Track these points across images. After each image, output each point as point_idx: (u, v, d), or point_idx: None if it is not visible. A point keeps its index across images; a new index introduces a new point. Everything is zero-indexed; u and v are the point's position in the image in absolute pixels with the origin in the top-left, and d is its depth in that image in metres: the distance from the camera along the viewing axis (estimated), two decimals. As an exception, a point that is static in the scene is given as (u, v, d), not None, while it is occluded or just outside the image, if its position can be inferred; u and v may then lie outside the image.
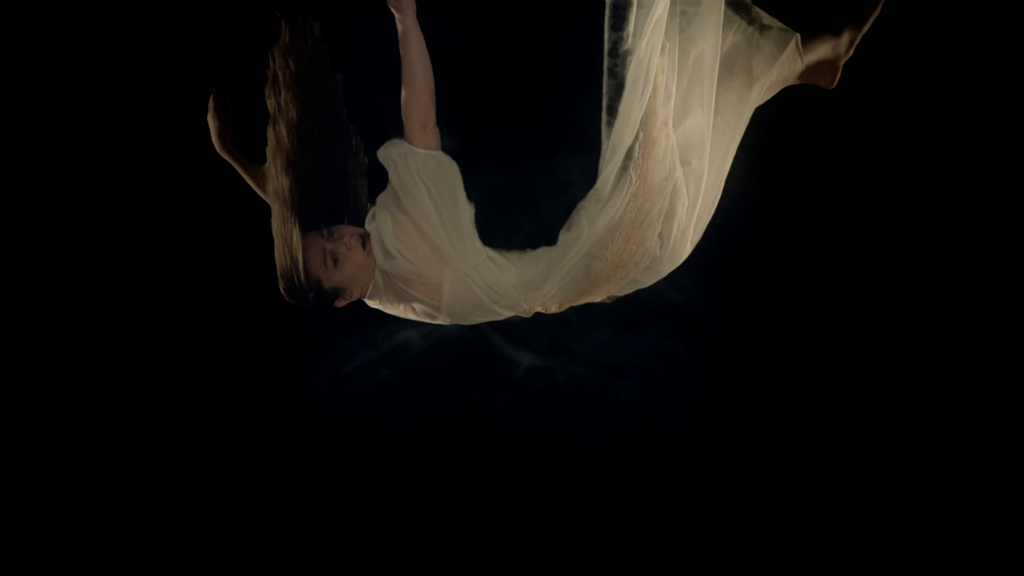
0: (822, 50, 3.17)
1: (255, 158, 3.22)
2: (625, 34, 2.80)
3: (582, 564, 4.38)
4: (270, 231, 2.92)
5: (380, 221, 2.92)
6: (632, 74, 2.82)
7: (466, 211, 2.91)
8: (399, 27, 2.80)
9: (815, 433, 4.28)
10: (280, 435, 4.36)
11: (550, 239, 3.01)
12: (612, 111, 2.86)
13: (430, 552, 4.40)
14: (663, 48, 2.85)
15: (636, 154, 2.88)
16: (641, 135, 2.86)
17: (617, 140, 2.88)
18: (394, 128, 2.91)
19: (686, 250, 3.07)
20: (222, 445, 4.30)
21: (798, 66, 3.14)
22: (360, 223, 2.99)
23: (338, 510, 4.38)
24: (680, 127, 2.94)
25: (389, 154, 2.89)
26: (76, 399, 4.22)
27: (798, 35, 3.12)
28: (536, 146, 3.87)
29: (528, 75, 3.93)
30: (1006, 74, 3.90)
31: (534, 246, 3.04)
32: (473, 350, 4.26)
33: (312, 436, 4.36)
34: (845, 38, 3.19)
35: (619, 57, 2.82)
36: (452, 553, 4.39)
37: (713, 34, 2.92)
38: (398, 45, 2.81)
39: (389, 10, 2.78)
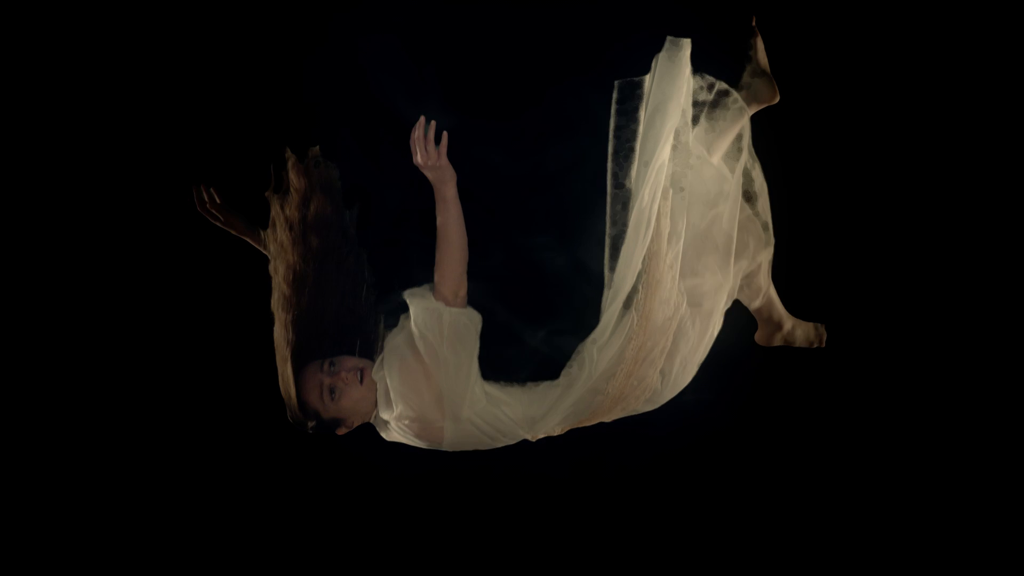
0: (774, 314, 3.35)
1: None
2: (627, 179, 2.83)
3: (582, 563, 4.39)
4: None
5: (388, 369, 2.93)
6: (635, 217, 2.84)
7: (476, 360, 2.94)
8: (438, 197, 2.83)
9: (812, 434, 4.29)
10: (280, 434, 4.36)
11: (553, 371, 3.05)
12: (615, 251, 2.87)
13: (432, 552, 4.42)
14: (665, 192, 2.86)
15: (639, 294, 2.89)
16: (645, 276, 2.88)
17: (620, 279, 2.89)
18: (409, 255, 2.97)
19: (687, 380, 3.10)
20: (222, 445, 4.31)
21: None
22: (372, 347, 3.01)
23: (339, 509, 4.39)
24: (693, 275, 2.97)
25: (417, 305, 2.91)
26: (77, 399, 4.22)
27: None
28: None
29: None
30: (991, 82, 3.92)
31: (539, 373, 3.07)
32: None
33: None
34: (787, 326, 3.41)
35: (622, 192, 2.84)
36: (453, 553, 4.40)
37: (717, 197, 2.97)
38: (435, 212, 2.84)
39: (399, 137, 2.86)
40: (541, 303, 3.17)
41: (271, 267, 3.00)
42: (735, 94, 3.02)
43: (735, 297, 3.18)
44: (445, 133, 2.81)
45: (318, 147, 3.02)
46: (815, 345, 3.58)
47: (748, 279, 3.21)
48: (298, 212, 2.97)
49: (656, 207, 2.84)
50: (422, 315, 2.89)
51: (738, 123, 3.05)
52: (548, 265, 3.19)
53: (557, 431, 3.10)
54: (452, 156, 2.86)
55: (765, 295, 3.30)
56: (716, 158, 3.06)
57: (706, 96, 2.98)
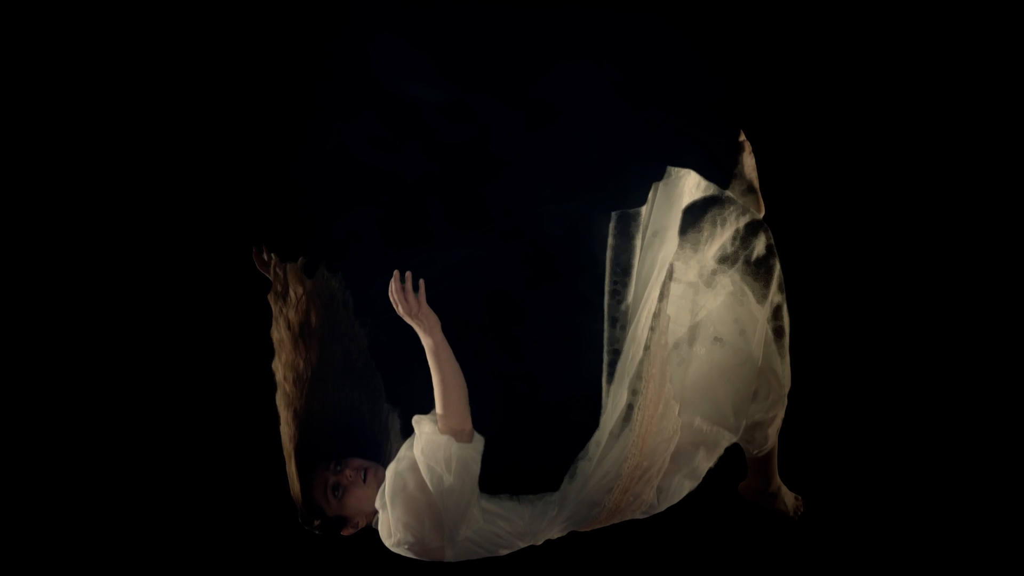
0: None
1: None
2: (624, 302, 2.89)
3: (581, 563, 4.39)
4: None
5: (392, 499, 2.95)
6: (630, 340, 2.90)
7: (477, 483, 2.98)
8: (425, 343, 2.88)
9: (811, 433, 4.28)
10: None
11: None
12: (612, 370, 2.93)
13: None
14: (662, 317, 2.89)
15: (636, 415, 2.92)
16: (641, 398, 2.91)
17: (616, 400, 2.94)
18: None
19: (685, 493, 3.15)
20: (222, 445, 4.31)
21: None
22: (381, 447, 3.08)
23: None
24: (700, 414, 3.02)
25: (424, 435, 2.94)
26: (78, 399, 4.22)
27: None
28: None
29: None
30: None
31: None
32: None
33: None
34: (773, 486, 3.52)
35: (619, 314, 2.90)
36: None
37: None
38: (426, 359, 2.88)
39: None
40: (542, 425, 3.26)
41: (274, 363, 3.05)
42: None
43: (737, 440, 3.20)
44: (422, 282, 2.88)
45: (307, 258, 3.11)
46: (790, 516, 3.65)
47: (757, 427, 3.22)
48: (299, 316, 3.04)
49: (656, 334, 2.88)
50: (429, 447, 2.93)
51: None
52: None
53: (556, 536, 3.16)
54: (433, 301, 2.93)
55: (768, 450, 3.32)
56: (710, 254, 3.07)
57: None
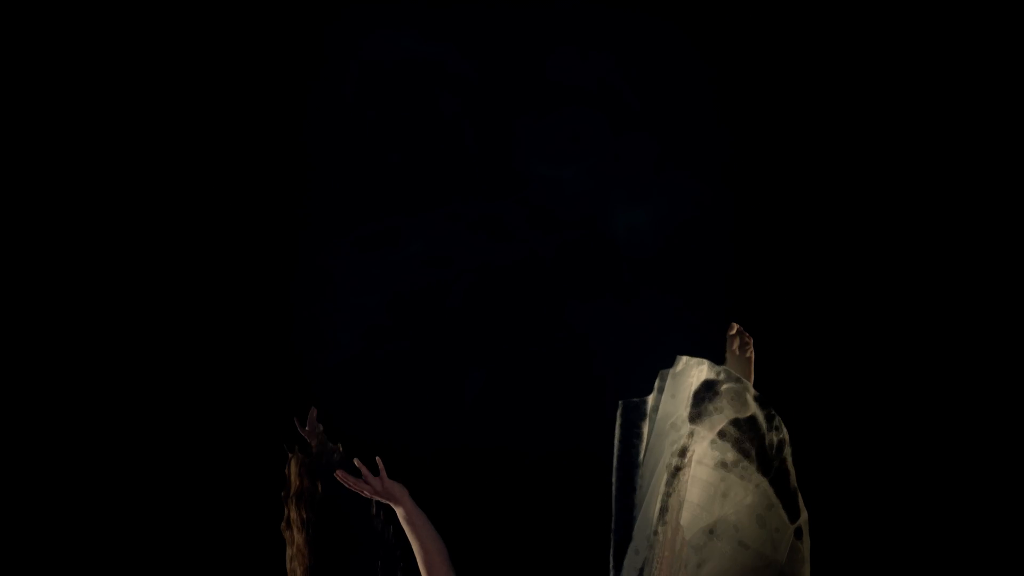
0: None
1: None
2: (634, 492, 2.87)
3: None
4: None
5: None
6: (639, 527, 2.86)
7: None
8: (398, 513, 2.92)
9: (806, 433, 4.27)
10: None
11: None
12: (619, 562, 2.89)
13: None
14: (670, 505, 2.86)
15: None
16: None
17: None
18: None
19: None
20: (222, 446, 4.31)
21: None
22: None
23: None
24: None
25: None
26: (80, 398, 4.22)
27: None
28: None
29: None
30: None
31: None
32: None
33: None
34: None
35: (627, 500, 2.88)
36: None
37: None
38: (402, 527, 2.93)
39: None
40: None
41: (288, 565, 3.08)
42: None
43: None
44: (379, 460, 2.92)
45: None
46: None
47: None
48: (309, 512, 3.08)
49: (664, 524, 2.86)
50: None
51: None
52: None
53: None
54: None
55: None
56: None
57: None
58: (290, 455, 3.05)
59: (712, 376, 2.90)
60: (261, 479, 4.24)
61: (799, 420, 2.99)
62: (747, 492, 2.89)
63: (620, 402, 2.87)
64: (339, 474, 2.88)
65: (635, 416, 2.87)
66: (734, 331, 3.13)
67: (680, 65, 4.04)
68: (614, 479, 2.88)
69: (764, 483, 2.93)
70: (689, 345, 2.97)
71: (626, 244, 4.19)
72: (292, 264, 4.28)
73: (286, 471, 3.07)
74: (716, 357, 2.93)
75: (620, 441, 2.88)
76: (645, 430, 2.86)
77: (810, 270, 4.23)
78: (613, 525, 2.89)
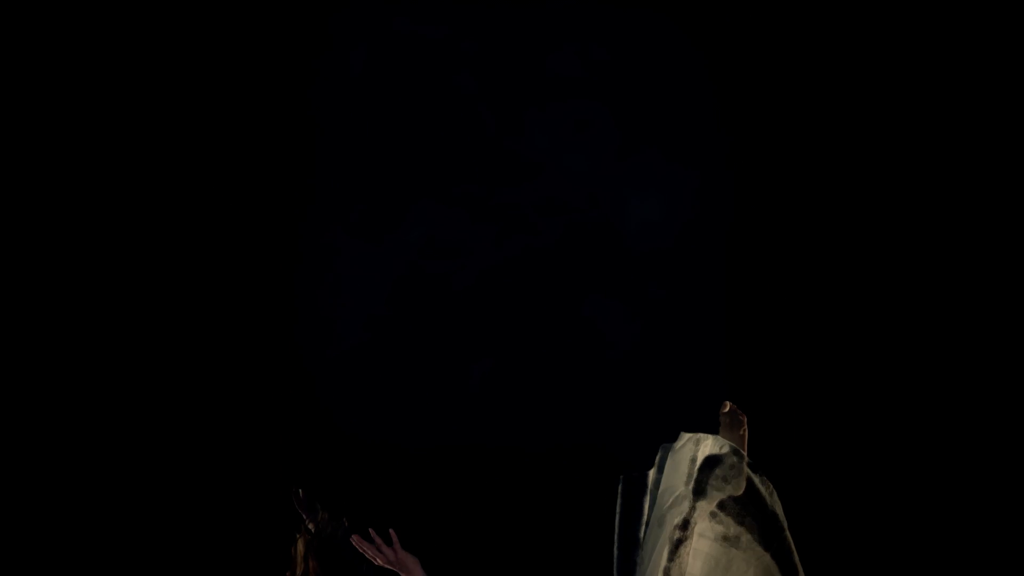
0: None
1: None
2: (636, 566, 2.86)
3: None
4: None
5: None
6: None
7: None
8: None
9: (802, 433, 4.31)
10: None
11: None
12: None
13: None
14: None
15: None
16: None
17: None
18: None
19: None
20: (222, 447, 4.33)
21: None
22: None
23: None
24: None
25: None
26: (81, 398, 4.23)
27: None
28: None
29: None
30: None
31: None
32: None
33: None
34: None
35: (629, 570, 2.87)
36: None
37: None
38: None
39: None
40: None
41: None
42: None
43: None
44: (392, 532, 2.94)
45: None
46: None
47: None
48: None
49: None
50: None
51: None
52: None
53: None
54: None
55: None
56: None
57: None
58: (297, 535, 3.08)
59: (715, 451, 2.89)
60: (261, 479, 4.33)
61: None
62: (749, 566, 2.90)
63: (621, 476, 2.88)
64: (355, 539, 2.93)
65: (636, 491, 2.88)
66: (727, 409, 3.14)
67: (679, 62, 3.94)
68: (615, 554, 2.90)
69: (767, 557, 2.95)
70: (688, 420, 2.96)
71: (630, 236, 4.16)
72: (293, 253, 4.26)
73: (292, 552, 3.11)
74: (712, 431, 2.95)
75: (621, 516, 2.89)
76: (646, 505, 2.86)
77: (810, 270, 4.20)
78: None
